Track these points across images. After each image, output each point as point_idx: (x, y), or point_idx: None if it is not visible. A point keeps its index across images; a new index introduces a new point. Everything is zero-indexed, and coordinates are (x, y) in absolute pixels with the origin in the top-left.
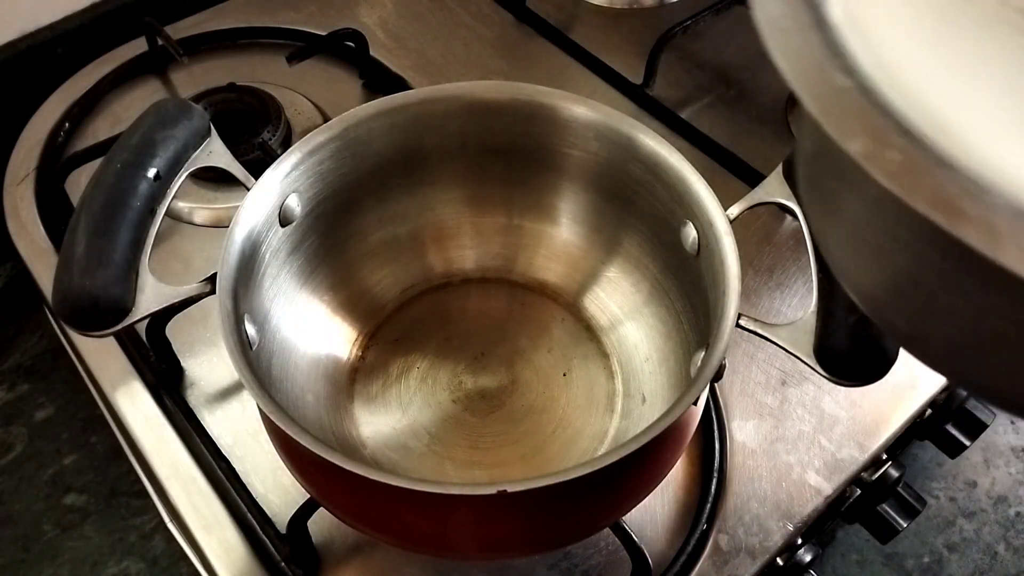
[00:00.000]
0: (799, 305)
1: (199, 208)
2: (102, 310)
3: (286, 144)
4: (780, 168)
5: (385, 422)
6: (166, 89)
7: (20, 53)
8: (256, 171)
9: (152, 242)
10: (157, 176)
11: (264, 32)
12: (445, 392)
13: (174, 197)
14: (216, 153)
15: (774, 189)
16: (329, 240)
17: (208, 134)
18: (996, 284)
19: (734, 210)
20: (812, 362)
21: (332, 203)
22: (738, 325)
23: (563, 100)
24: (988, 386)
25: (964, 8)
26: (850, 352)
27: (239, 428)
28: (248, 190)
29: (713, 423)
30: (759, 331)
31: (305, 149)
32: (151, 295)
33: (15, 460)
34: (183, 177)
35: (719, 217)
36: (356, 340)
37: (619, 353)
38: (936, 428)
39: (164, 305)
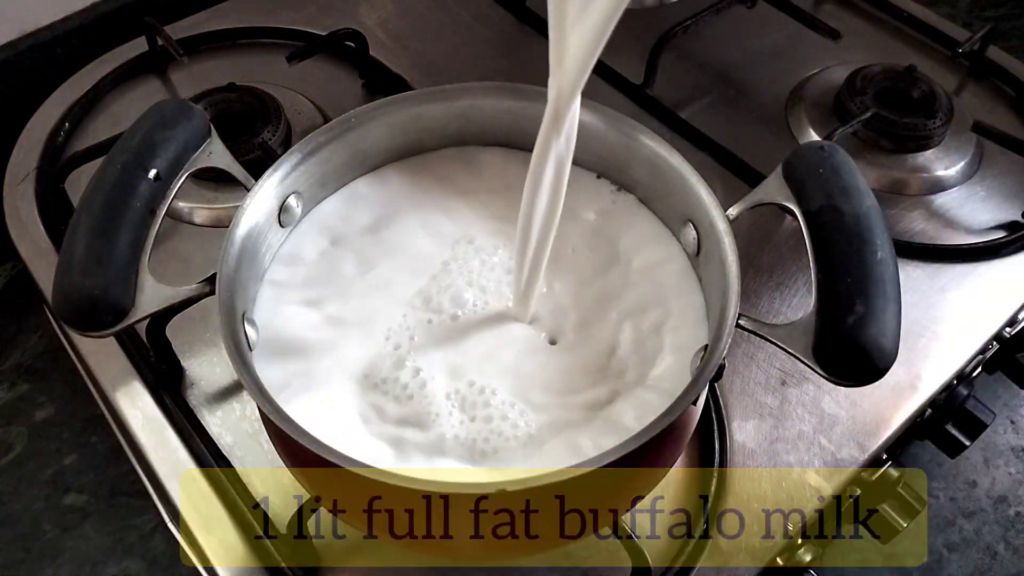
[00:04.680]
0: (799, 305)
1: (199, 208)
2: (102, 310)
3: (286, 144)
4: (780, 168)
5: None
6: (166, 89)
7: (20, 53)
8: (256, 171)
9: (152, 243)
10: (157, 177)
11: (264, 32)
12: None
13: (174, 197)
14: (216, 154)
15: (774, 189)
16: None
17: (208, 135)
18: None
19: (734, 210)
20: (811, 362)
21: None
22: (738, 325)
23: None
24: None
25: None
26: (849, 352)
27: (239, 428)
28: (248, 190)
29: (713, 423)
30: (758, 331)
31: (305, 150)
32: (151, 295)
33: (15, 460)
34: (183, 178)
35: (719, 217)
36: None
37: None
38: (936, 428)
39: (164, 306)
